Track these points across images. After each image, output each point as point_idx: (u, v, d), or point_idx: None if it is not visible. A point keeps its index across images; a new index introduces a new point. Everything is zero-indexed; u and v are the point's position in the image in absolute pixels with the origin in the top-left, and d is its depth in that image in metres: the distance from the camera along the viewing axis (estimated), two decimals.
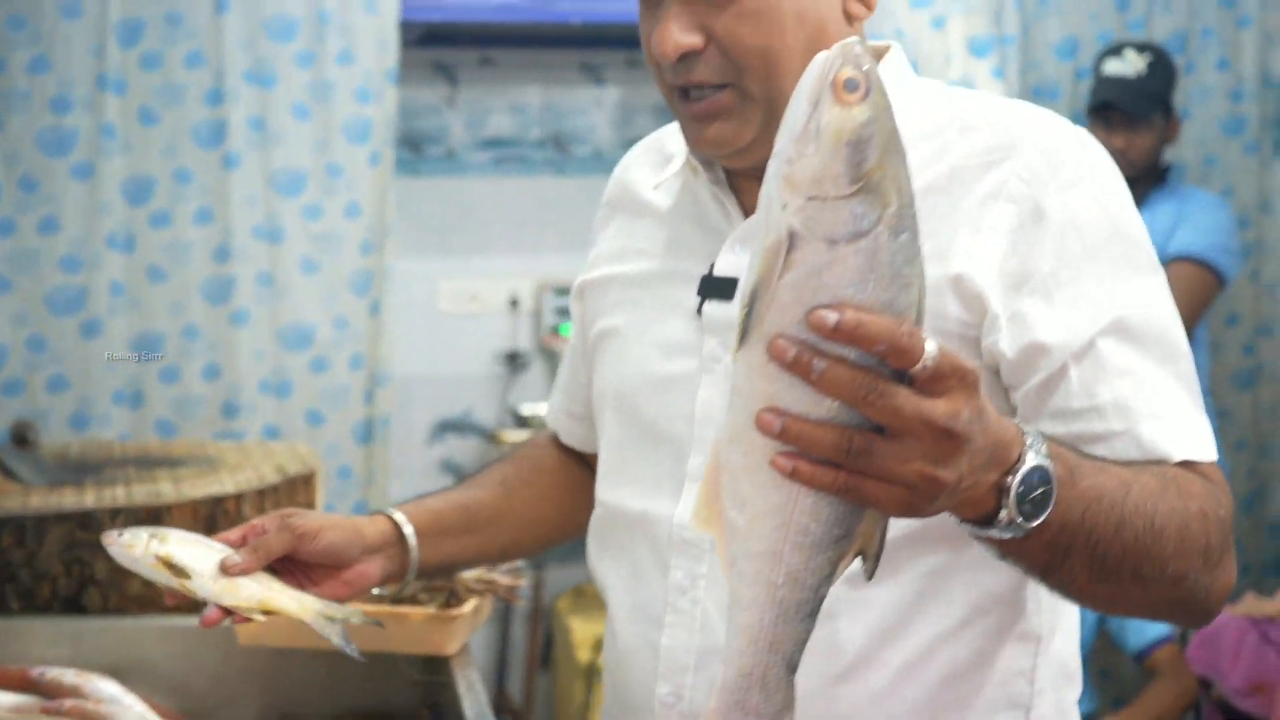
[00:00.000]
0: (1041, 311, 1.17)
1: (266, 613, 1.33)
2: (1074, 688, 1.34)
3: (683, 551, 1.27)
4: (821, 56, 0.87)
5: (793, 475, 0.86)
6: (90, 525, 1.98)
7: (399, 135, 3.87)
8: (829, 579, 0.91)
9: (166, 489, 2.09)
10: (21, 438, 2.52)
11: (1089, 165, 1.24)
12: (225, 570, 1.31)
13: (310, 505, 2.25)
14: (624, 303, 1.39)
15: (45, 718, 1.68)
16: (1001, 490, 0.94)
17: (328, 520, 1.38)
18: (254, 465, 2.27)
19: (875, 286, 0.85)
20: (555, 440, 1.62)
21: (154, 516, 2.00)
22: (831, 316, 0.83)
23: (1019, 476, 0.94)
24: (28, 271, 3.52)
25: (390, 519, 1.42)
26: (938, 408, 0.85)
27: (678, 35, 1.20)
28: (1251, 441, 4.02)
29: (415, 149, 4.05)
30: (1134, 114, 3.57)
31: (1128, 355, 1.17)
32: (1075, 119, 4.04)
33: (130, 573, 1.98)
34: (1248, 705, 3.09)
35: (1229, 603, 3.24)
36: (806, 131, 0.86)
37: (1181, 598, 1.14)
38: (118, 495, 2.06)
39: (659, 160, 1.43)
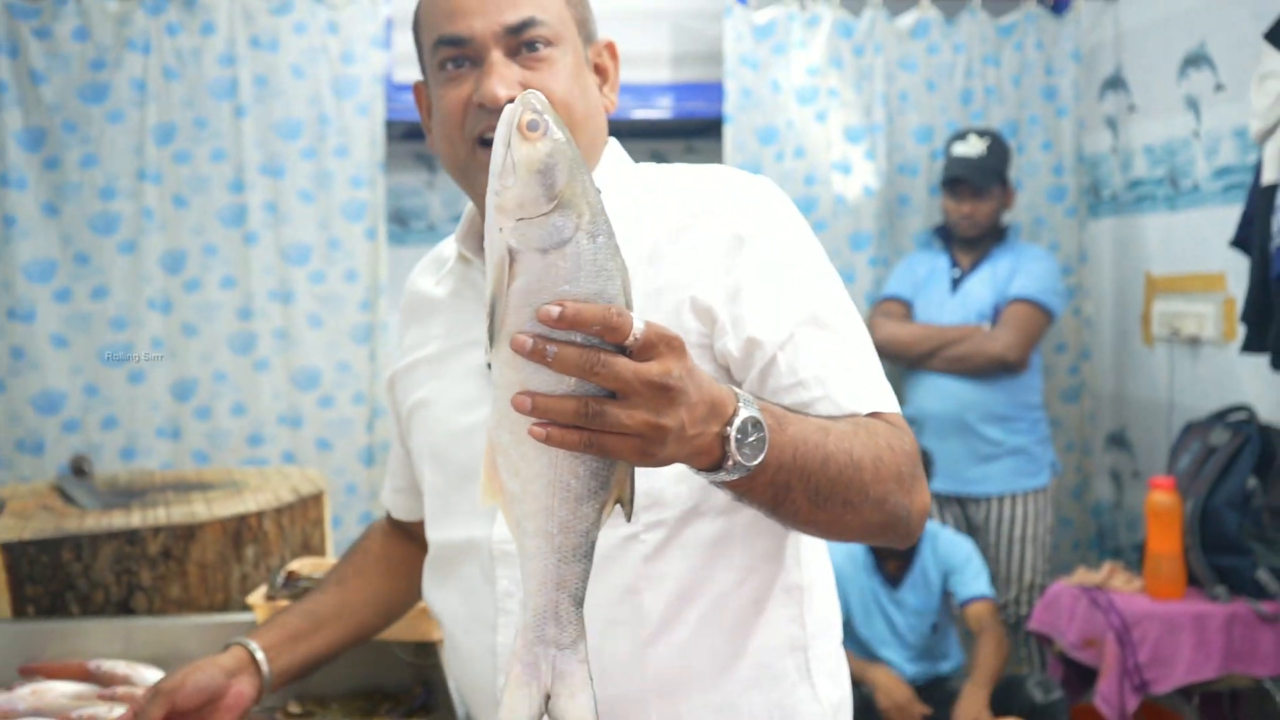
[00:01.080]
0: (753, 314, 1.20)
1: None
2: (835, 633, 1.36)
3: (504, 561, 1.25)
4: (509, 108, 0.90)
5: (548, 440, 0.87)
6: (137, 542, 1.94)
7: (389, 213, 3.85)
8: (596, 524, 0.93)
9: (200, 510, 2.05)
10: (79, 469, 2.47)
11: (772, 203, 1.27)
12: None
13: (320, 519, 2.21)
14: (428, 378, 1.38)
15: (101, 703, 1.64)
16: (724, 439, 0.96)
17: (189, 668, 1.36)
18: (272, 487, 2.24)
19: (585, 281, 0.87)
20: (386, 524, 1.59)
21: (189, 533, 1.96)
22: (554, 310, 0.85)
23: (735, 426, 0.96)
24: (83, 330, 3.46)
25: (242, 644, 1.40)
26: (652, 369, 0.88)
27: (503, 88, 1.20)
28: (1077, 443, 4.05)
29: (402, 224, 4.03)
30: (978, 186, 3.61)
31: (820, 339, 1.20)
32: (932, 191, 4.11)
33: (171, 579, 1.95)
34: (1082, 657, 3.10)
35: (1063, 575, 3.28)
36: (505, 167, 0.88)
37: (888, 518, 1.15)
38: (159, 516, 2.02)
39: (437, 265, 1.43)
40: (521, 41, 1.22)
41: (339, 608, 1.48)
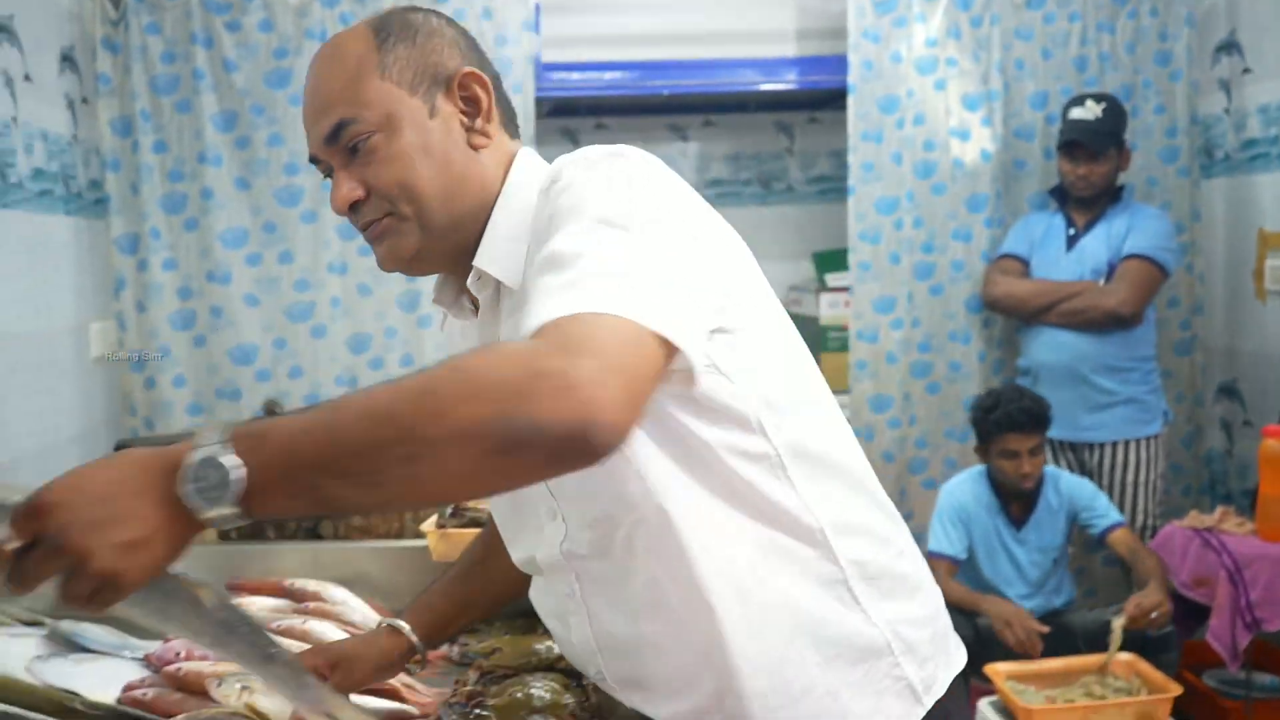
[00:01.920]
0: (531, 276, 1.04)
1: None
2: (888, 550, 1.21)
3: (553, 571, 1.22)
4: None
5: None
6: None
7: None
8: (248, 624, 1.00)
9: None
10: (271, 412, 2.55)
11: (590, 165, 1.09)
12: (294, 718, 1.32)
13: None
14: None
15: (295, 616, 1.69)
16: (183, 498, 0.87)
17: (367, 664, 1.39)
18: None
19: None
20: None
21: None
22: None
23: (182, 484, 0.86)
24: (271, 292, 3.56)
25: (404, 634, 1.42)
26: (30, 545, 0.85)
27: (344, 193, 1.15)
28: (1188, 395, 3.87)
29: None
30: (1095, 149, 3.45)
31: (545, 282, 0.98)
32: (1047, 154, 3.94)
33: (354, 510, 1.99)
34: (1194, 595, 2.98)
35: (1175, 519, 3.14)
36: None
37: (501, 444, 0.85)
38: None
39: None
40: (344, 146, 1.15)
41: (483, 587, 1.49)
